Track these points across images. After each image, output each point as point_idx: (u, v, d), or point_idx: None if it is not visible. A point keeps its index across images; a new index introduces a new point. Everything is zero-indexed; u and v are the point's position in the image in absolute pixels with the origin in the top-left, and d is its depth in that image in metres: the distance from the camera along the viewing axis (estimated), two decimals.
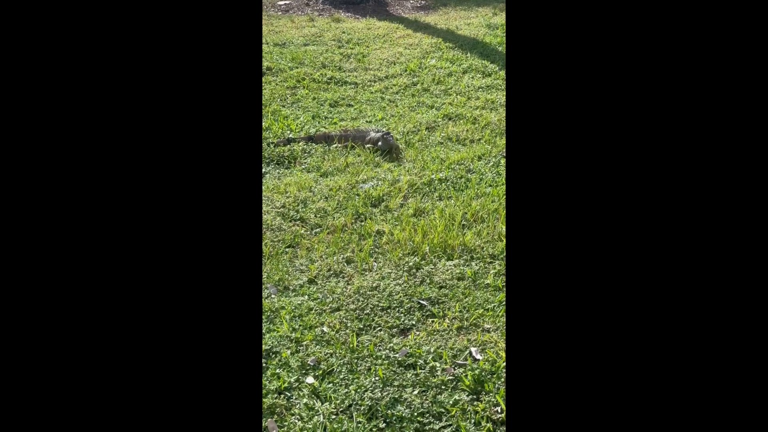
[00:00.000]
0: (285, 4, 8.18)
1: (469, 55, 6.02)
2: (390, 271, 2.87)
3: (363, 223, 3.26)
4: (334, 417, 2.10)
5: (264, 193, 3.55)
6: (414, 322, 2.55)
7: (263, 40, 6.49)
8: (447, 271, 2.86)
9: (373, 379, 2.24)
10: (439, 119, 4.65)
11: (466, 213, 3.31)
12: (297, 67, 5.72)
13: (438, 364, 2.31)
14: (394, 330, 2.51)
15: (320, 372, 2.29)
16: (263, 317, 2.56)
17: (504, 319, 2.53)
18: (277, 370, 2.28)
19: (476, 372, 2.25)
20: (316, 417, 2.10)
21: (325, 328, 2.51)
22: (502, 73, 5.52)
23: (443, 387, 2.22)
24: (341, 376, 2.27)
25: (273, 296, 2.71)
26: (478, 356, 2.35)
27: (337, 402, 2.15)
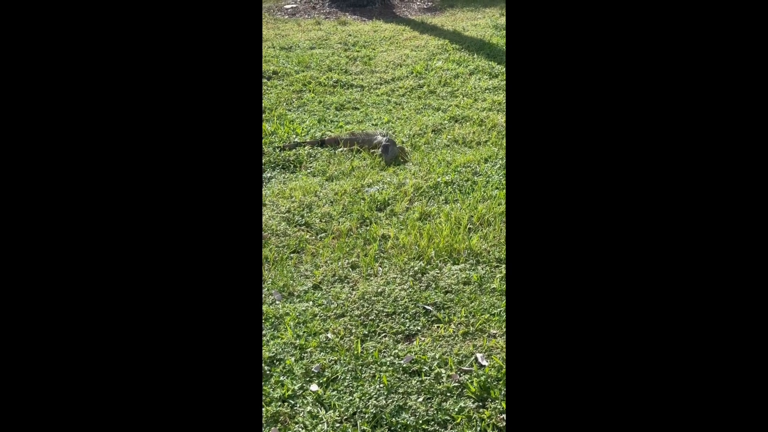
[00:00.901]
0: (291, 7, 8.19)
1: (475, 56, 5.99)
2: (395, 276, 2.85)
3: (368, 228, 3.24)
4: (338, 425, 2.08)
5: (269, 198, 3.54)
6: (419, 328, 2.53)
7: (270, 44, 6.49)
8: (453, 275, 2.84)
9: (377, 386, 2.22)
10: (446, 121, 4.62)
11: (472, 216, 3.28)
12: (303, 71, 5.71)
13: (443, 371, 2.28)
14: (399, 336, 2.49)
15: (324, 379, 2.27)
16: (267, 324, 2.55)
17: None
18: (281, 378, 2.27)
19: (482, 378, 2.22)
20: (320, 425, 2.08)
21: (329, 335, 2.49)
22: None
23: (448, 394, 2.19)
24: (345, 384, 2.25)
25: (277, 302, 2.70)
26: (484, 362, 2.33)
27: (342, 410, 2.13)
